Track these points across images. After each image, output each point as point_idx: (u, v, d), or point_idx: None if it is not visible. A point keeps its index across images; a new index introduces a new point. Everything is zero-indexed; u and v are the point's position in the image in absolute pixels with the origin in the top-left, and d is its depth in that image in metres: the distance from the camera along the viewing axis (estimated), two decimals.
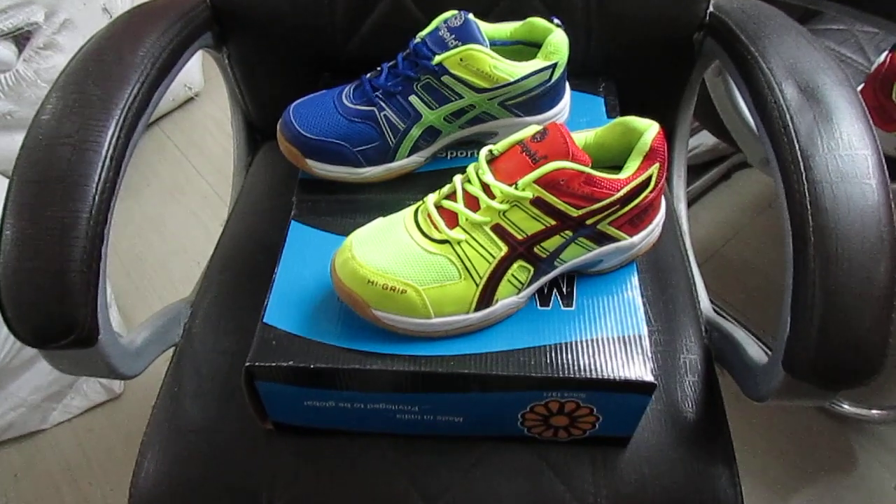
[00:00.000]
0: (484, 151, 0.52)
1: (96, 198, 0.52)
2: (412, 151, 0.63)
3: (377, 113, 0.61)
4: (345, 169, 0.63)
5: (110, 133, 0.55)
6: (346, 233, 0.55)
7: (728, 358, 0.61)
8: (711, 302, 0.73)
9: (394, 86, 0.60)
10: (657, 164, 0.51)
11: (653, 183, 0.52)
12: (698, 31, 0.70)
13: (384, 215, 0.55)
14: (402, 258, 0.50)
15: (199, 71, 1.78)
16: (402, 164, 0.64)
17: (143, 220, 1.54)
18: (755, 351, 0.57)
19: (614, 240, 0.54)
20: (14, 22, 1.31)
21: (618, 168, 0.53)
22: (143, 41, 0.63)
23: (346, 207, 0.63)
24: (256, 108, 0.84)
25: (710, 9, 0.68)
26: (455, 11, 0.60)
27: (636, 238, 0.55)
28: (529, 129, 0.52)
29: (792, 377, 0.48)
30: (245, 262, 0.73)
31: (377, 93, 0.61)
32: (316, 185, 0.65)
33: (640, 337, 0.52)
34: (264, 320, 0.54)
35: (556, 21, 0.61)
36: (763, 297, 1.28)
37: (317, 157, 0.62)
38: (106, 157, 0.54)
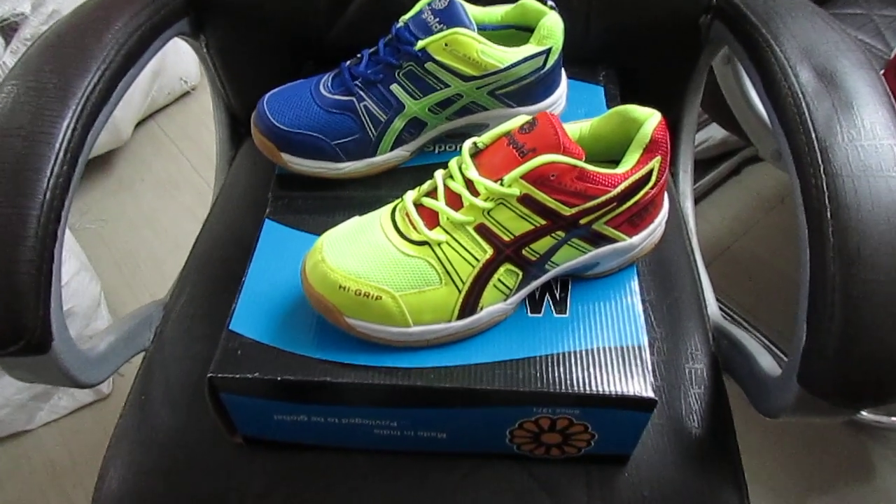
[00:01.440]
0: (467, 144, 0.47)
1: (48, 194, 0.48)
2: (396, 145, 0.59)
3: (356, 103, 0.56)
4: (323, 164, 0.58)
5: (65, 124, 0.51)
6: (323, 233, 0.50)
7: (737, 368, 0.56)
8: (720, 302, 0.68)
9: (374, 74, 0.56)
10: (658, 158, 0.46)
11: (654, 178, 0.47)
12: (705, 14, 0.65)
13: (366, 213, 0.51)
14: (377, 261, 0.46)
15: (195, 64, 1.74)
16: (385, 158, 0.59)
17: (136, 214, 1.51)
18: (767, 362, 0.52)
19: (612, 241, 0.49)
20: (0, 13, 1.27)
21: (616, 162, 0.48)
22: (109, 26, 0.59)
23: (325, 205, 0.59)
24: (238, 99, 0.79)
25: None
26: None
27: (636, 239, 0.50)
28: (517, 119, 0.47)
29: (808, 393, 0.43)
30: (222, 263, 0.69)
31: (356, 81, 0.56)
32: (294, 180, 0.61)
33: (639, 348, 0.47)
34: (230, 327, 0.50)
35: (549, 3, 0.56)
36: (775, 297, 1.22)
37: (293, 151, 0.58)
38: (60, 150, 0.50)
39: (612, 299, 0.51)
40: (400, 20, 0.57)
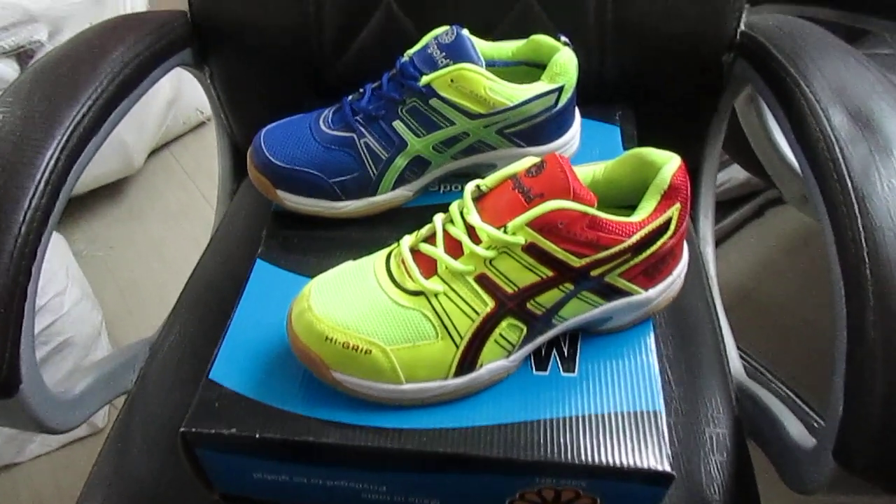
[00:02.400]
0: (470, 187, 0.44)
1: (23, 228, 0.45)
2: (397, 184, 0.55)
3: (356, 140, 0.53)
4: (321, 202, 0.55)
5: (49, 154, 0.48)
6: (317, 276, 0.47)
7: (764, 434, 0.51)
8: (741, 352, 0.64)
9: (376, 109, 0.53)
10: (678, 205, 0.43)
11: (672, 227, 0.43)
12: (727, 52, 0.62)
13: (365, 256, 0.48)
14: (368, 311, 0.42)
15: None
16: (387, 198, 0.56)
17: (144, 243, 1.49)
18: (797, 429, 0.48)
19: (626, 294, 0.45)
20: (16, 40, 1.27)
21: (631, 209, 0.44)
22: (105, 54, 0.57)
23: (322, 246, 0.56)
24: (242, 131, 0.77)
25: (742, 27, 0.60)
26: (448, 27, 0.52)
27: (652, 292, 0.46)
28: (524, 161, 0.43)
29: (845, 471, 0.39)
30: (215, 302, 0.66)
31: (357, 117, 0.53)
32: (290, 219, 0.57)
33: (656, 414, 0.43)
34: (210, 376, 0.47)
35: (562, 39, 0.53)
36: (798, 345, 1.17)
37: (289, 188, 0.55)
38: (41, 182, 0.47)
39: (625, 357, 0.47)
40: (405, 54, 0.54)
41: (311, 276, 0.53)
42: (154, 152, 1.64)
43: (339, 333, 0.42)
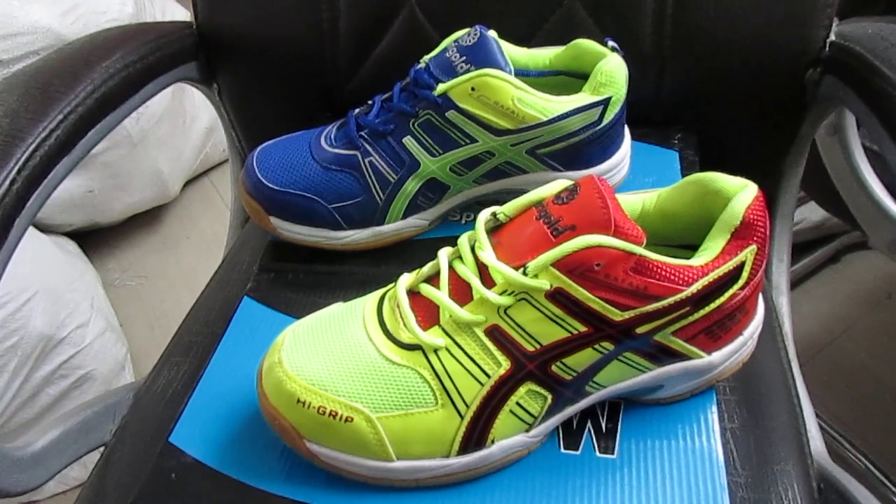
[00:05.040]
0: (484, 215, 0.35)
1: None
2: (409, 212, 0.47)
3: (360, 159, 0.45)
4: (319, 231, 0.47)
5: (2, 177, 0.42)
6: None
7: None
8: (820, 420, 0.53)
9: (383, 124, 0.45)
10: (753, 247, 0.33)
11: (745, 274, 0.33)
12: (813, 68, 0.52)
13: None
14: (351, 368, 0.34)
15: None
16: (396, 228, 0.47)
17: (176, 273, 1.45)
18: None
19: (682, 357, 0.35)
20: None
21: (691, 249, 0.35)
22: (89, 66, 0.51)
23: (319, 283, 0.48)
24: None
25: (831, 37, 0.50)
26: (470, 28, 0.44)
27: (716, 356, 0.36)
28: (553, 184, 0.35)
29: None
30: (209, 345, 0.58)
31: (362, 132, 0.45)
32: (286, 250, 0.50)
33: None
34: (170, 439, 0.39)
35: (610, 43, 0.45)
36: (879, 413, 1.03)
37: (283, 215, 0.47)
38: None
39: (679, 437, 0.37)
40: (421, 60, 0.46)
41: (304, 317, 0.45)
42: (192, 180, 1.61)
43: (313, 395, 0.33)
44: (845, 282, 1.24)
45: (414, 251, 0.49)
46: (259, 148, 0.49)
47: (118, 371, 1.17)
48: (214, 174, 1.67)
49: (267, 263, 0.50)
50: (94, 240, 1.46)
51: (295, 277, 0.49)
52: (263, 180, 0.46)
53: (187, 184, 1.58)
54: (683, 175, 0.53)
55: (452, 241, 0.50)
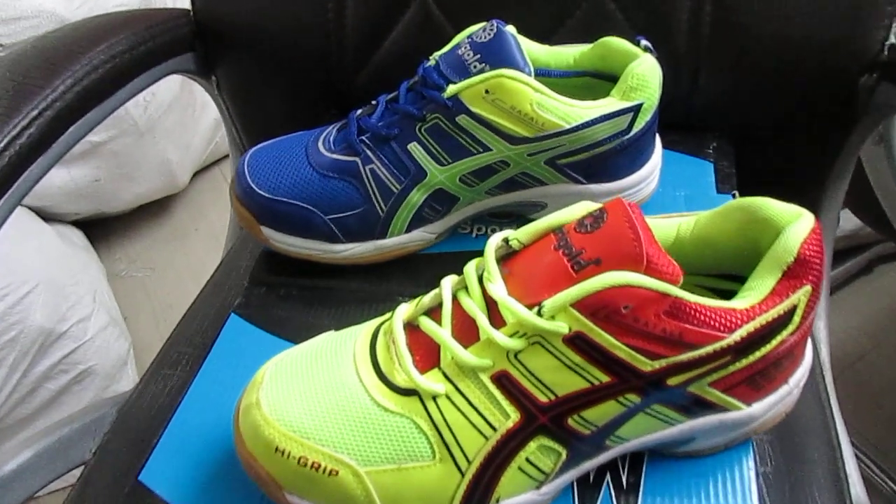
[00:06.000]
0: (495, 241, 0.31)
1: None
2: (414, 224, 0.43)
3: (360, 166, 0.41)
4: (314, 244, 0.43)
5: None
6: (304, 341, 0.35)
7: None
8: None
9: (387, 128, 0.40)
10: (807, 287, 0.28)
11: (797, 318, 0.29)
12: (868, 73, 0.46)
13: (372, 317, 0.35)
14: (337, 414, 0.29)
15: None
16: (399, 241, 0.43)
17: (184, 266, 1.42)
18: None
19: (718, 409, 0.31)
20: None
21: (732, 280, 0.30)
22: (72, 57, 0.47)
23: (315, 299, 0.44)
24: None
25: (891, 39, 0.45)
26: (486, 22, 0.40)
27: (757, 408, 0.31)
28: (576, 207, 0.30)
29: None
30: (199, 358, 0.54)
31: (363, 136, 0.41)
32: (281, 263, 0.46)
33: None
34: (140, 477, 0.35)
35: (643, 42, 0.40)
36: None
37: (275, 225, 0.43)
38: None
39: (710, 494, 0.32)
40: (431, 57, 0.41)
41: (296, 340, 0.41)
42: (202, 171, 1.57)
43: (293, 444, 0.29)
44: (877, 294, 1.18)
45: (419, 267, 0.45)
46: (252, 150, 0.45)
47: (120, 366, 1.14)
48: (225, 165, 1.64)
49: (258, 276, 0.46)
50: (101, 229, 1.43)
51: (287, 293, 0.44)
52: (255, 187, 0.42)
53: (196, 174, 1.54)
54: (718, 187, 0.48)
55: (461, 256, 0.45)
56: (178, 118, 1.36)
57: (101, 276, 1.25)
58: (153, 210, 1.50)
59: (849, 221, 1.16)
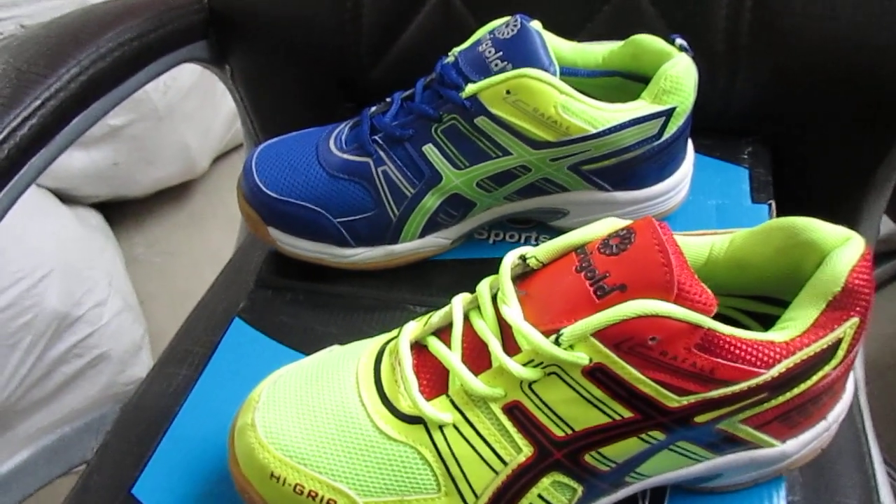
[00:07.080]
0: (511, 258, 0.28)
1: None
2: (427, 230, 0.40)
3: (372, 168, 0.39)
4: (323, 247, 0.41)
5: None
6: (308, 350, 0.34)
7: None
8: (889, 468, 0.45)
9: (401, 128, 0.38)
10: (855, 320, 0.26)
11: (841, 353, 0.26)
12: None
13: (381, 326, 0.33)
14: (337, 440, 0.28)
15: None
16: (412, 247, 0.41)
17: (201, 252, 1.41)
18: None
19: (749, 446, 0.28)
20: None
21: (771, 303, 0.28)
22: (78, 45, 0.45)
23: (321, 305, 0.42)
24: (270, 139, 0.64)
25: None
26: (510, 17, 0.37)
27: (791, 445, 0.29)
28: (601, 225, 0.27)
29: None
30: (206, 355, 0.53)
31: (376, 136, 0.39)
32: (288, 265, 0.44)
33: None
34: (132, 491, 0.33)
35: (678, 41, 0.37)
36: None
37: (282, 227, 0.41)
38: None
39: None
40: (450, 53, 0.39)
41: (300, 349, 0.39)
42: (222, 157, 1.56)
43: (289, 470, 0.27)
44: None
45: (431, 274, 0.42)
46: (261, 147, 0.43)
47: (135, 352, 1.13)
48: (245, 151, 1.63)
49: (265, 278, 0.44)
50: (120, 213, 1.43)
51: (294, 298, 0.43)
52: (262, 186, 0.40)
53: (216, 160, 1.53)
54: (753, 196, 0.45)
55: (477, 264, 0.43)
56: (198, 103, 1.35)
57: (119, 259, 1.25)
58: (172, 195, 1.49)
59: (884, 225, 1.11)
